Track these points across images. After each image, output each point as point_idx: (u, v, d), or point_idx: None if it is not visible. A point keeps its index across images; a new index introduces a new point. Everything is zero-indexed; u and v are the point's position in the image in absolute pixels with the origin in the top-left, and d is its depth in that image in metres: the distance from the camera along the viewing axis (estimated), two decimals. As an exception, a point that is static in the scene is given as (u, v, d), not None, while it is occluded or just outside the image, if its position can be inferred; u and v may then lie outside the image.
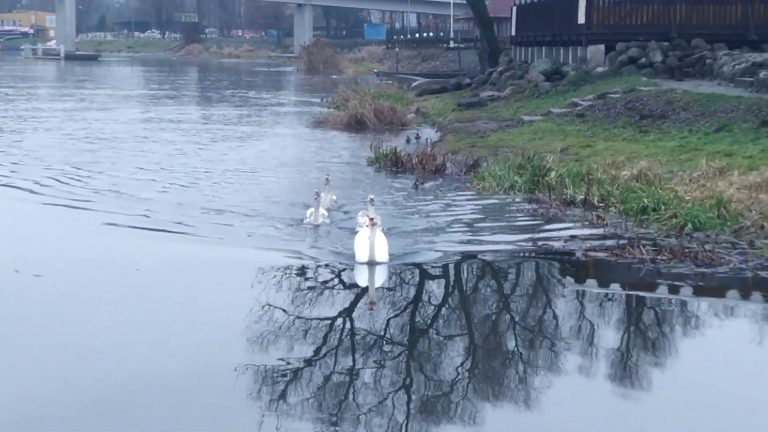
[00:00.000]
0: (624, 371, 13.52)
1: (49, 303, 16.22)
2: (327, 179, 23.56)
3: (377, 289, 16.07)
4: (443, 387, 12.60)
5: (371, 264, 16.38)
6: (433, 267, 17.55)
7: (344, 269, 16.65)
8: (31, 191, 26.22)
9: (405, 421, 11.33)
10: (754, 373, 13.61)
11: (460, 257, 18.26)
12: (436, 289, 16.95)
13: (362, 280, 16.15)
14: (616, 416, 11.95)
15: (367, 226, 16.75)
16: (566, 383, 12.90)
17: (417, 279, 16.90)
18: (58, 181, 27.99)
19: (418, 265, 17.38)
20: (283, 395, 11.84)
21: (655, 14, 47.73)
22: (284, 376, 12.48)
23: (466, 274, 17.75)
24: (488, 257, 18.67)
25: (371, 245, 16.37)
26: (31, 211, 23.50)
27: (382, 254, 16.48)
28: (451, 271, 17.62)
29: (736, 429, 11.41)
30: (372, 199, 18.07)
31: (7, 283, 17.38)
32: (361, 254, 16.55)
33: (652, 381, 13.28)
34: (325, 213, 20.85)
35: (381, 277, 16.19)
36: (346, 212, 22.14)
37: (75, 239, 20.64)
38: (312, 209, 20.62)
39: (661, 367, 13.83)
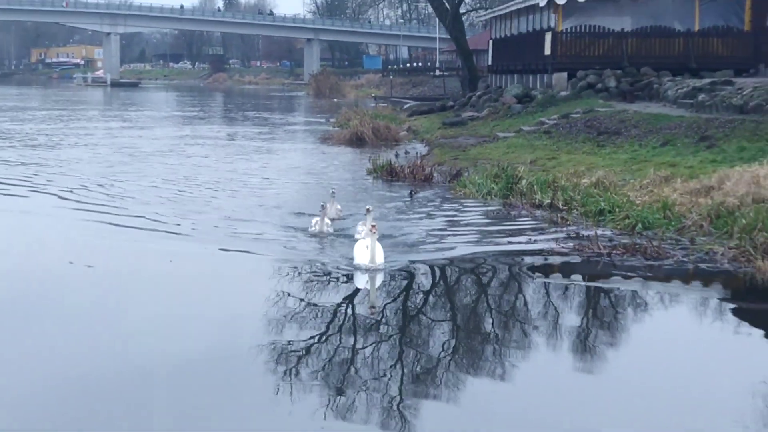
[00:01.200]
0: (584, 348, 13.55)
1: (100, 288, 16.31)
2: (333, 192, 23.24)
3: (373, 288, 16.00)
4: (430, 362, 12.69)
5: (369, 269, 16.21)
6: (423, 267, 17.50)
7: (345, 273, 16.45)
8: (74, 196, 26.15)
9: (398, 390, 11.40)
10: (693, 348, 13.75)
11: (448, 259, 18.21)
12: (424, 284, 16.91)
13: (360, 281, 15.98)
14: (576, 384, 11.96)
15: (366, 234, 16.61)
16: (534, 358, 12.94)
17: (409, 278, 16.83)
18: (101, 186, 28.18)
19: (411, 268, 17.28)
20: (292, 370, 11.87)
21: (610, 46, 47.80)
22: (293, 354, 12.50)
23: (450, 272, 17.70)
24: (469, 257, 18.63)
25: (371, 251, 16.19)
26: (76, 214, 23.35)
27: (380, 259, 16.27)
28: (438, 271, 17.56)
29: (679, 393, 11.43)
30: (369, 209, 17.94)
31: (66, 272, 17.53)
32: (361, 259, 16.36)
33: (607, 356, 13.30)
34: (329, 222, 20.33)
35: (378, 279, 16.03)
36: (345, 222, 21.58)
37: (113, 237, 20.55)
38: (317, 219, 20.13)
39: (615, 344, 13.87)
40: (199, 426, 10.53)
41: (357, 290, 15.63)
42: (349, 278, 16.13)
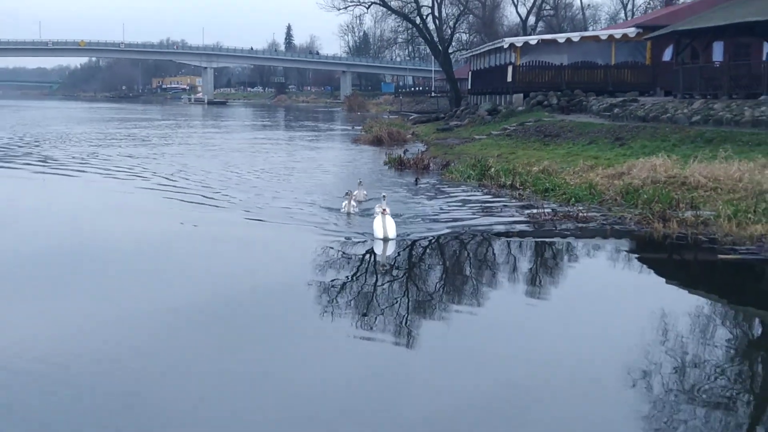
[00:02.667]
0: (533, 284, 13.51)
1: (198, 244, 16.22)
2: (360, 182, 22.81)
3: (388, 255, 15.74)
4: (426, 297, 12.72)
5: (384, 239, 15.90)
6: (424, 239, 17.41)
7: (365, 241, 16.19)
8: (173, 180, 26.01)
9: (404, 314, 11.40)
10: (610, 284, 13.65)
11: (439, 232, 18.12)
12: (423, 247, 16.89)
13: (377, 247, 15.69)
14: (527, 307, 11.93)
15: (381, 213, 16.28)
16: (499, 291, 12.96)
17: (413, 244, 16.74)
18: (193, 174, 27.79)
19: (415, 237, 17.11)
20: (331, 300, 11.87)
21: (553, 75, 47.62)
22: (332, 290, 12.48)
23: (441, 239, 17.61)
24: (458, 227, 18.52)
25: (384, 226, 15.89)
26: (174, 192, 23.14)
27: (391, 232, 15.95)
28: (434, 238, 17.45)
29: (599, 314, 11.40)
30: (384, 196, 17.70)
31: (181, 231, 17.51)
32: (378, 232, 16.07)
33: (550, 290, 13.28)
34: (355, 204, 19.58)
35: (390, 247, 15.75)
36: (369, 203, 20.67)
37: (199, 209, 20.49)
38: (346, 202, 19.56)
39: (555, 281, 13.85)
40: (271, 334, 10.56)
41: (373, 252, 15.43)
42: (368, 245, 15.90)
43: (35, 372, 8.97)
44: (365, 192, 21.85)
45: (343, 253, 15.50)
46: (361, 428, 7.86)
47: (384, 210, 16.24)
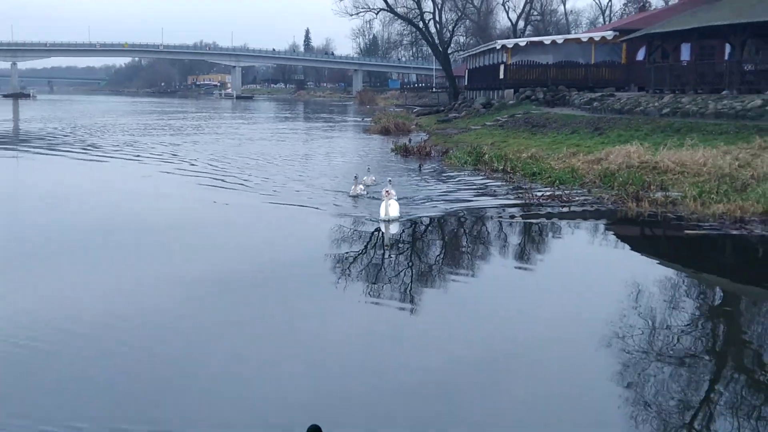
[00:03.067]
0: (522, 256, 13.50)
1: (225, 221, 16.26)
2: (368, 168, 22.55)
3: (392, 233, 15.77)
4: (427, 267, 12.70)
5: (388, 220, 15.61)
6: (424, 218, 17.42)
7: (371, 221, 15.98)
8: (202, 165, 25.91)
9: (410, 280, 11.42)
10: (589, 255, 13.62)
11: (438, 213, 18.10)
12: (424, 225, 16.89)
13: (382, 227, 15.42)
14: (517, 276, 11.95)
15: (384, 196, 15.97)
16: (492, 262, 12.94)
17: (414, 223, 16.77)
18: (220, 159, 27.77)
19: (416, 217, 17.07)
20: (343, 270, 11.87)
21: (540, 73, 47.26)
22: (345, 261, 12.50)
23: (440, 218, 17.61)
24: (455, 208, 18.53)
25: (387, 208, 15.62)
26: (202, 175, 23.10)
27: (394, 213, 15.67)
28: (434, 218, 17.48)
29: (581, 280, 11.41)
30: (390, 181, 17.62)
31: (207, 208, 17.37)
32: (382, 213, 15.77)
33: (537, 260, 13.27)
34: (362, 188, 19.25)
35: (393, 226, 15.51)
36: (377, 187, 19.99)
37: (224, 190, 20.41)
38: (353, 186, 19.21)
39: (541, 253, 13.84)
40: (294, 296, 10.56)
41: (379, 230, 15.25)
42: (374, 224, 15.69)
43: (88, 331, 9.03)
44: (374, 177, 21.49)
45: (352, 230, 15.45)
46: (372, 377, 7.89)
47: (388, 192, 16.00)
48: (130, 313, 9.75)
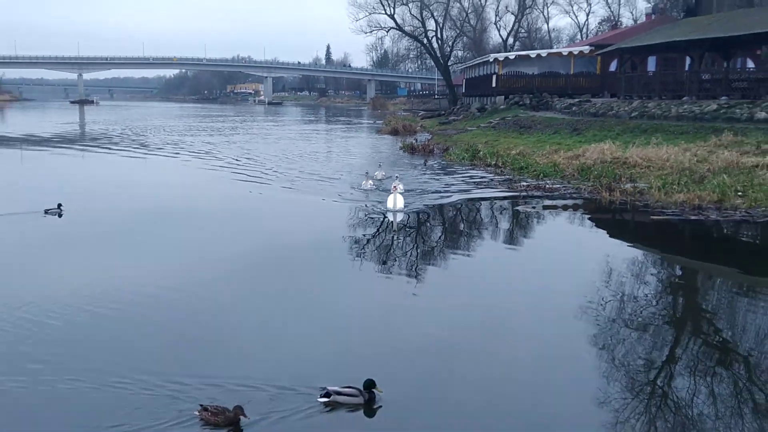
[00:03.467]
0: (511, 238, 13.46)
1: (256, 209, 16.29)
2: (380, 164, 22.18)
3: (399, 221, 15.74)
4: (430, 248, 12.67)
5: (395, 211, 15.27)
6: (427, 207, 17.37)
7: (380, 211, 15.74)
8: (234, 160, 25.90)
9: (415, 259, 11.41)
10: (569, 236, 13.55)
11: (439, 202, 18.02)
12: (427, 214, 16.83)
13: (390, 216, 15.16)
14: (506, 255, 11.91)
15: (393, 190, 15.66)
16: (485, 242, 12.90)
17: (419, 213, 16.72)
18: (252, 155, 27.77)
19: (420, 208, 17.04)
20: (357, 250, 11.89)
21: (526, 82, 46.95)
22: (359, 243, 12.50)
23: (441, 208, 17.56)
24: (454, 199, 18.46)
25: (394, 200, 15.29)
26: (234, 169, 23.10)
27: (400, 205, 15.37)
28: (436, 208, 17.41)
29: (561, 258, 11.39)
30: (397, 176, 17.31)
31: (242, 197, 17.36)
32: (390, 204, 15.43)
33: (524, 241, 13.21)
34: (372, 183, 18.73)
35: (400, 216, 15.23)
36: (387, 182, 19.31)
37: (258, 184, 20.36)
38: (365, 180, 18.83)
39: (527, 236, 13.77)
40: (316, 271, 10.58)
41: (387, 219, 15.05)
42: (382, 214, 15.41)
43: (143, 300, 9.10)
44: (384, 172, 21.04)
45: (365, 218, 15.31)
46: (384, 338, 7.90)
47: (395, 187, 15.72)
48: (182, 283, 9.81)
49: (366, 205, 16.66)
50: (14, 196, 18.21)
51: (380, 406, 6.31)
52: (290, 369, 6.96)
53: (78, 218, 14.87)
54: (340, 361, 7.24)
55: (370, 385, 6.29)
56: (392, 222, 14.74)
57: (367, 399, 6.26)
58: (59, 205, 15.08)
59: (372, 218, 15.18)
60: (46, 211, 14.90)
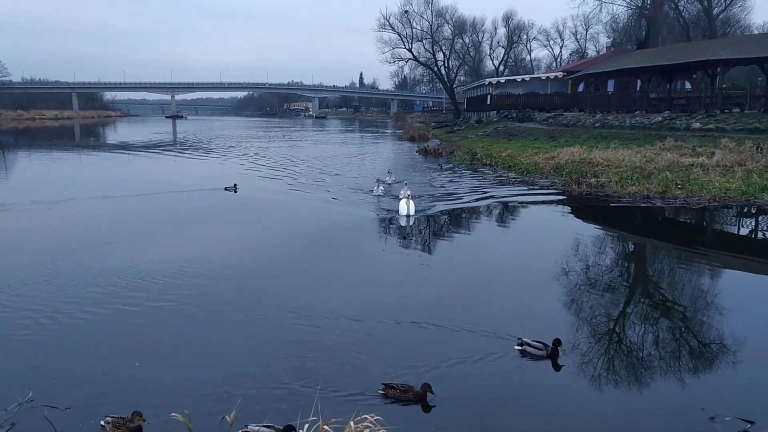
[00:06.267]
0: (500, 223, 13.40)
1: (289, 202, 16.13)
2: (389, 171, 19.37)
3: (410, 224, 15.52)
4: (438, 243, 12.58)
5: (407, 216, 13.37)
6: (437, 212, 17.12)
7: (392, 217, 13.57)
8: (278, 163, 25.61)
9: (422, 253, 11.36)
10: (545, 222, 13.43)
11: (448, 209, 17.82)
12: (436, 218, 16.71)
13: (402, 221, 13.18)
14: (494, 236, 11.88)
15: (404, 196, 13.76)
16: (482, 227, 12.84)
17: (428, 218, 16.43)
18: (296, 159, 27.53)
19: (429, 213, 16.49)
20: (378, 238, 11.86)
21: (514, 100, 46.48)
22: (372, 237, 12.47)
23: (447, 211, 17.31)
24: (463, 202, 18.16)
25: (407, 206, 13.42)
26: (276, 170, 22.89)
27: (412, 211, 13.37)
28: (443, 212, 17.19)
29: (540, 239, 11.33)
30: (406, 183, 15.08)
31: (266, 195, 17.22)
32: (402, 210, 13.49)
33: (509, 225, 13.15)
34: (382, 189, 16.39)
35: (411, 220, 13.28)
36: (398, 186, 16.77)
37: (289, 184, 20.09)
38: (376, 186, 16.56)
39: (513, 220, 13.67)
40: (341, 249, 10.64)
41: (399, 222, 14.02)
42: (396, 219, 13.76)
43: (216, 273, 9.23)
44: (394, 177, 18.55)
45: (383, 215, 14.03)
46: (400, 301, 7.91)
47: (408, 195, 13.77)
48: (245, 258, 9.95)
49: (378, 209, 14.65)
50: (194, 180, 19.46)
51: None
52: (327, 316, 7.06)
53: (245, 194, 16.10)
54: (366, 309, 7.29)
55: (556, 343, 5.99)
56: (404, 225, 13.12)
57: (549, 353, 5.95)
58: (235, 185, 16.47)
59: (388, 215, 13.80)
60: (226, 188, 16.23)
